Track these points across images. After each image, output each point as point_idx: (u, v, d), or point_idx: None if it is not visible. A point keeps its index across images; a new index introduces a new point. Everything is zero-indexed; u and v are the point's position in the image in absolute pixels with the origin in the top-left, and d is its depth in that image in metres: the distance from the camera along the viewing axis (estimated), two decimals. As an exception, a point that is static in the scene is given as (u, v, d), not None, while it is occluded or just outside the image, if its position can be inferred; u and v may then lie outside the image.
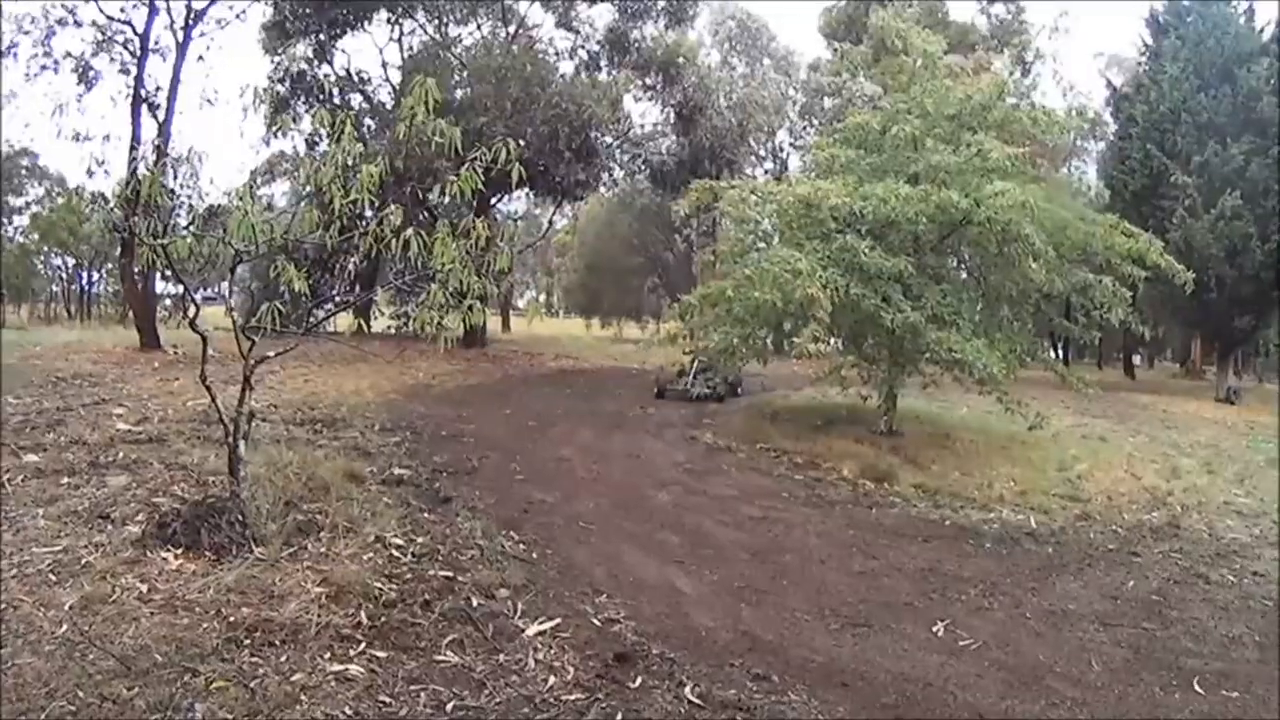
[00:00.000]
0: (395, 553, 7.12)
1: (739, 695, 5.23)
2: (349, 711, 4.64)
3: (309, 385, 15.45)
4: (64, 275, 51.89)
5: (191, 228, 7.40)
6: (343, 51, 27.87)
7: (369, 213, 7.59)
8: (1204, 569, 8.56)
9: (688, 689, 5.25)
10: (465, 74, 25.62)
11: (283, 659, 5.13)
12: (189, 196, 10.22)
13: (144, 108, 20.72)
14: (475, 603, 6.29)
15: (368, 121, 26.06)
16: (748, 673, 5.61)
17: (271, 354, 7.84)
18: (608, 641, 5.90)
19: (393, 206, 7.10)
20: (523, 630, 5.91)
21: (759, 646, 6.09)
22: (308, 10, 25.14)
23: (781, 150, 39.61)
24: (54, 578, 5.97)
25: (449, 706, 4.84)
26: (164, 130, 20.79)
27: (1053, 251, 12.95)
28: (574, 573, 7.29)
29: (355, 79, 27.75)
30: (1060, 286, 13.76)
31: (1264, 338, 32.73)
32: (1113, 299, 13.30)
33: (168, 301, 23.27)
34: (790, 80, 37.50)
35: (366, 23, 26.67)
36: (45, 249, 48.78)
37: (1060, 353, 32.65)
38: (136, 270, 20.22)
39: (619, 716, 4.86)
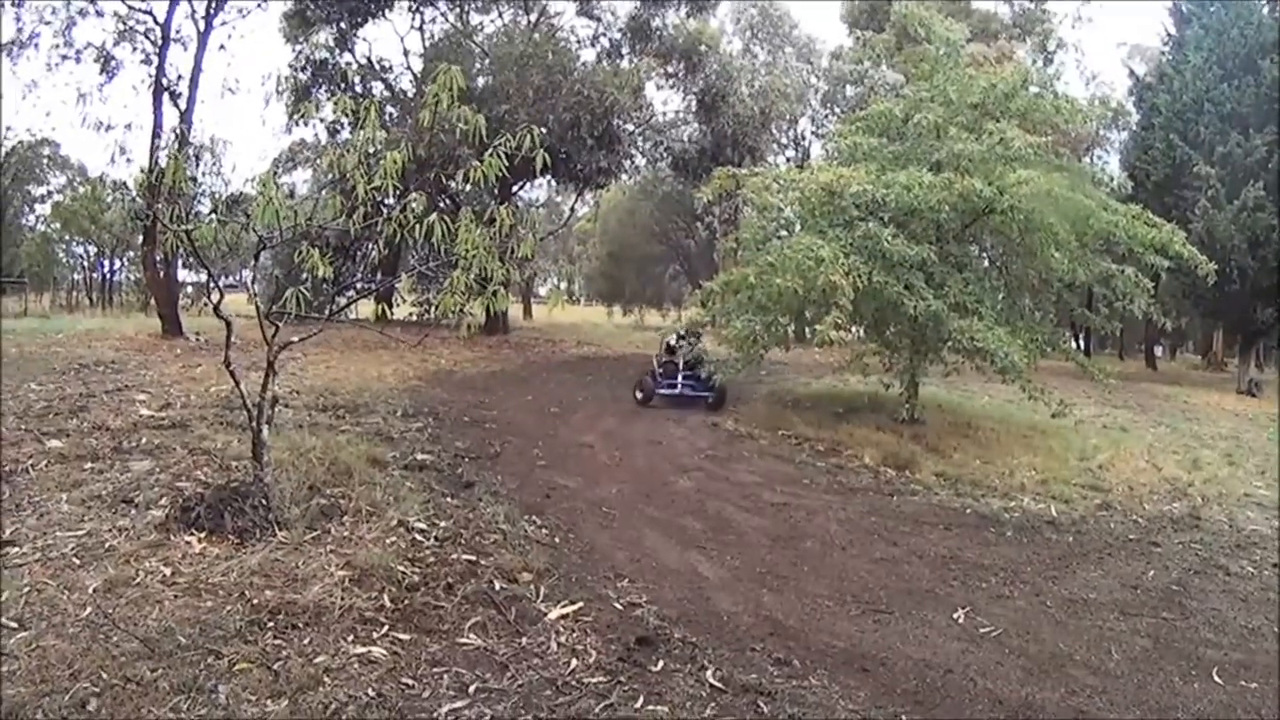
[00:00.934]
0: (418, 537, 7.16)
1: (760, 679, 5.24)
2: (372, 693, 4.68)
3: (331, 372, 15.51)
4: (85, 263, 52.15)
5: (215, 215, 7.43)
6: (364, 39, 28.02)
7: (390, 200, 7.61)
8: (1224, 560, 8.52)
9: (709, 673, 5.27)
10: (487, 62, 25.66)
11: (306, 641, 5.18)
12: (212, 184, 10.27)
13: (165, 97, 20.81)
14: (498, 586, 6.32)
15: (389, 109, 26.11)
16: (769, 657, 5.63)
17: (295, 339, 7.89)
18: (630, 625, 5.93)
19: (415, 194, 7.12)
20: (545, 614, 5.95)
21: (780, 631, 6.11)
22: (329, -2, 25.20)
23: (803, 138, 39.57)
24: (78, 561, 6.04)
25: (471, 688, 4.87)
26: (185, 119, 20.88)
27: (1075, 241, 12.90)
28: (596, 557, 7.33)
29: (377, 67, 27.79)
30: (1082, 276, 13.67)
31: (1286, 329, 32.43)
32: (1134, 289, 13.23)
33: (189, 289, 23.38)
34: (812, 68, 37.44)
35: (388, 10, 26.69)
36: (67, 237, 49.06)
37: (1081, 343, 32.51)
38: (159, 258, 20.27)
39: (640, 699, 4.88)
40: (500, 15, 28.87)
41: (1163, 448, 14.57)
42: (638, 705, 4.82)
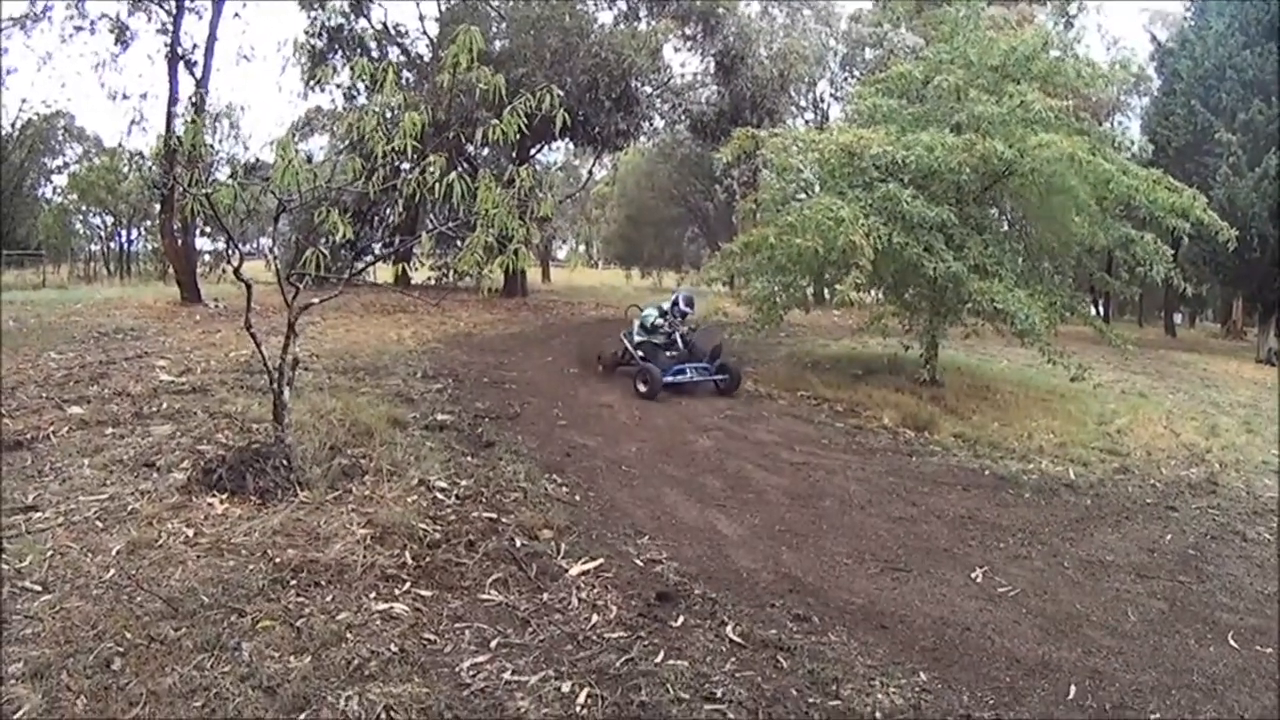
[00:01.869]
0: (439, 495, 7.23)
1: (780, 635, 5.30)
2: (394, 648, 4.74)
3: (350, 335, 15.53)
4: (103, 234, 52.15)
5: (234, 178, 7.45)
6: (379, 4, 27.72)
7: (408, 166, 7.62)
8: (1241, 526, 8.51)
9: (729, 628, 5.33)
10: (503, 25, 25.47)
11: (328, 598, 5.26)
12: (230, 148, 10.29)
13: (181, 65, 20.69)
14: (519, 543, 6.39)
15: (406, 75, 25.99)
16: (788, 613, 5.68)
17: (315, 300, 7.92)
18: (650, 581, 5.99)
19: (434, 155, 7.13)
20: (566, 570, 6.01)
21: (799, 588, 6.16)
22: (344, -37, 25.05)
23: (822, 101, 39.17)
24: (100, 524, 6.11)
25: (493, 643, 4.94)
26: (201, 87, 20.79)
27: (1095, 205, 12.83)
28: (616, 515, 7.38)
29: (393, 32, 27.60)
30: (1102, 240, 13.60)
31: (1306, 300, 32.22)
32: (1154, 255, 13.14)
33: (207, 257, 23.42)
34: (831, 31, 37.00)
35: (403, -26, 26.50)
36: (84, 208, 49.11)
37: (1100, 309, 32.35)
38: (176, 226, 20.28)
39: (661, 654, 4.93)
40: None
41: (1181, 414, 14.51)
42: (658, 660, 4.87)
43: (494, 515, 6.89)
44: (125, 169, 37.20)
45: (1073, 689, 5.00)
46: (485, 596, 5.51)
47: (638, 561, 6.38)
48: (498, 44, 24.23)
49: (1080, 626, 5.92)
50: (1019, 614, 6.05)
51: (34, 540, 5.76)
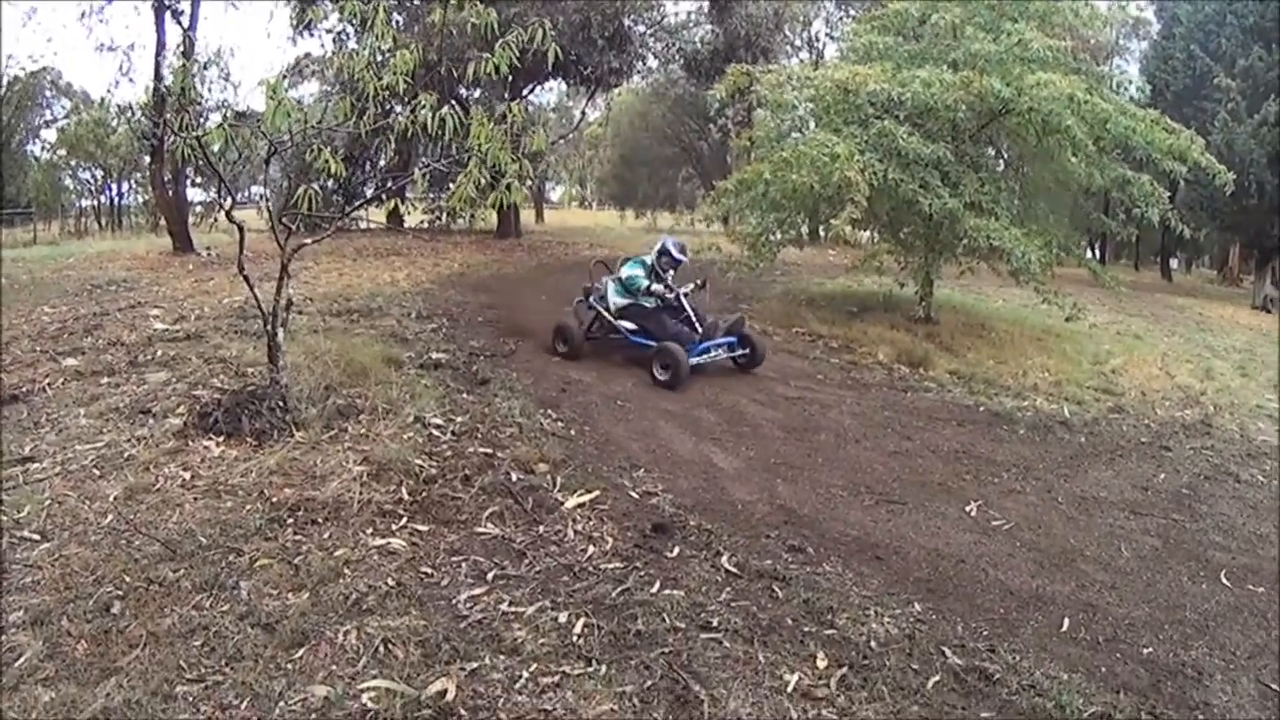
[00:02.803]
0: (435, 432, 7.22)
1: (775, 565, 5.34)
2: (391, 582, 4.77)
3: (343, 279, 15.45)
4: (93, 188, 51.65)
5: (225, 121, 7.37)
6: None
7: (400, 109, 7.56)
8: (1234, 467, 8.54)
9: (724, 559, 5.36)
10: (495, -37, 25.17)
11: (326, 535, 5.29)
12: (220, 92, 10.17)
13: (167, 15, 20.41)
14: (514, 477, 6.39)
15: (396, 17, 25.68)
16: (783, 544, 5.72)
17: (308, 240, 7.90)
18: (645, 513, 6.02)
19: (426, 94, 7.06)
20: (562, 503, 6.03)
21: (794, 520, 6.19)
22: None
23: (818, 40, 38.90)
24: (98, 472, 6.12)
25: (490, 575, 4.96)
26: (189, 35, 20.50)
27: (1092, 145, 12.75)
28: (612, 448, 7.39)
29: (383, -28, 27.20)
30: (1099, 180, 13.50)
31: (1303, 248, 32.29)
32: (1150, 196, 13.06)
33: (199, 207, 23.30)
34: (827, -32, 36.70)
35: (391, -87, 26.01)
36: (73, 163, 48.61)
37: (1097, 253, 32.34)
38: (167, 177, 20.16)
39: (657, 584, 4.96)
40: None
41: (1176, 356, 14.54)
42: (654, 590, 4.90)
43: (489, 450, 6.89)
44: (115, 122, 36.79)
45: (1066, 621, 5.04)
46: (481, 530, 5.53)
47: (633, 494, 6.39)
48: (490, -19, 23.93)
49: (1074, 561, 5.95)
50: (1013, 547, 6.08)
51: (32, 491, 5.77)
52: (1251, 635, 5.10)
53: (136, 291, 13.89)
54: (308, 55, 27.66)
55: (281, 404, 7.02)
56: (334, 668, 4.01)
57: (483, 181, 7.14)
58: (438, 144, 6.87)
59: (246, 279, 7.33)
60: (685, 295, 10.71)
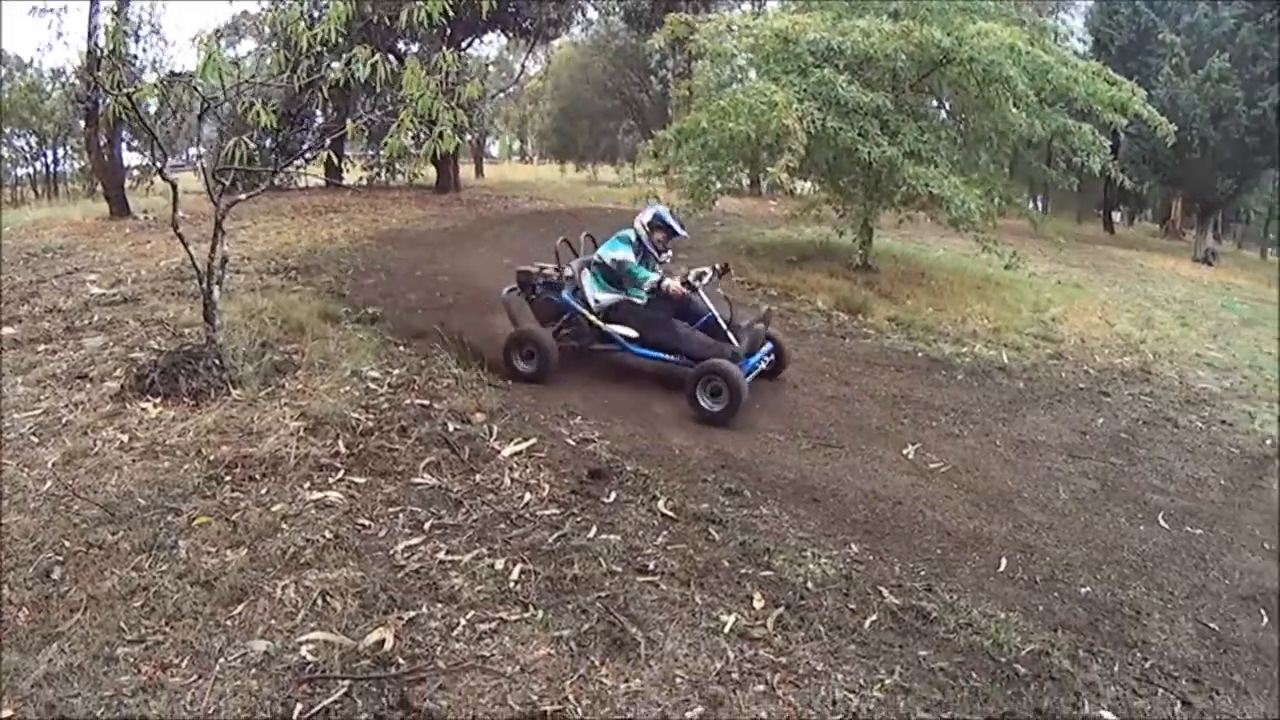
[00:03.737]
0: (371, 385, 7.15)
1: (711, 509, 5.38)
2: (329, 535, 4.75)
3: (281, 237, 15.21)
4: (28, 155, 50.57)
5: (158, 80, 7.22)
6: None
7: (336, 65, 7.43)
8: (1173, 414, 8.70)
9: (661, 503, 5.39)
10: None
11: (263, 491, 5.26)
12: (154, 55, 9.96)
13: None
14: (451, 428, 6.36)
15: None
16: (720, 488, 5.77)
17: (243, 195, 7.76)
18: (582, 460, 6.02)
19: (359, 48, 6.94)
20: (498, 451, 6.01)
21: (731, 464, 6.24)
22: None
23: (760, -11, 38.78)
24: (35, 439, 6.01)
25: (427, 525, 4.96)
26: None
27: (1033, 95, 12.79)
28: (549, 397, 7.39)
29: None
30: (1040, 130, 13.54)
31: (1245, 203, 32.85)
32: (1091, 145, 13.13)
33: (135, 171, 22.86)
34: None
35: None
36: (6, 130, 47.54)
37: (1039, 204, 32.56)
38: (102, 141, 19.74)
39: (594, 529, 4.98)
40: None
41: (1116, 306, 14.71)
42: (591, 535, 4.91)
43: (426, 402, 6.85)
44: (49, 86, 36.07)
45: (1003, 561, 5.12)
46: (418, 480, 5.51)
47: (570, 441, 6.40)
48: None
49: (1011, 502, 6.06)
50: (950, 489, 6.17)
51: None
52: (1189, 576, 5.21)
53: (73, 258, 13.62)
54: (244, 13, 27.22)
55: (218, 363, 6.94)
56: (273, 622, 4.00)
57: (418, 133, 7.06)
58: (374, 98, 6.76)
59: (181, 238, 7.19)
60: (700, 286, 7.98)
